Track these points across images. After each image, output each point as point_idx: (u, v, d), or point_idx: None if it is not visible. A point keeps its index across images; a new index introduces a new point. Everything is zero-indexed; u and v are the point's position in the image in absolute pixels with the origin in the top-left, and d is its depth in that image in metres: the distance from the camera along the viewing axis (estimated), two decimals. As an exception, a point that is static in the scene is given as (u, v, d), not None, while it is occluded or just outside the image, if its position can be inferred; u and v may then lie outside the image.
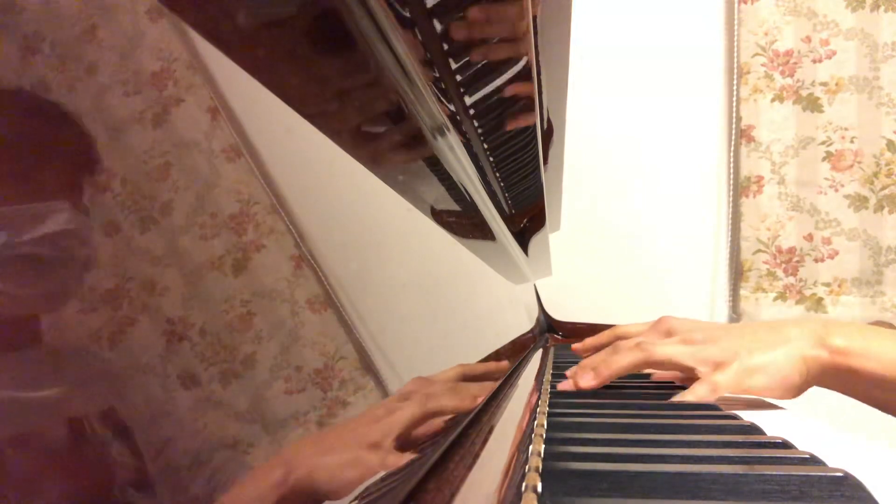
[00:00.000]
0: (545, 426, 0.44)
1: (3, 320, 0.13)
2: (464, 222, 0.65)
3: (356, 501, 0.24)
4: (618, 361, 0.65)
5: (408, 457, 0.29)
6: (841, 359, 0.59)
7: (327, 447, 0.26)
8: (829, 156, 1.80)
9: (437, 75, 0.38)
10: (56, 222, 0.14)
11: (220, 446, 0.19)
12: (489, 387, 0.49)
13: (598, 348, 0.85)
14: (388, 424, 0.31)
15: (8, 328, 0.13)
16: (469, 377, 0.48)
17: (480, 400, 0.43)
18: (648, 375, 0.77)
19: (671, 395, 0.62)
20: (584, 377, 0.66)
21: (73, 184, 0.15)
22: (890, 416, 0.62)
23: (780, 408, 0.64)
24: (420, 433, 0.33)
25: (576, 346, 0.87)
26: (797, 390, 0.61)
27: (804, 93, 1.81)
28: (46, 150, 0.15)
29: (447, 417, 0.37)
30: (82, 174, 0.16)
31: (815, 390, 0.64)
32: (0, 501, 0.12)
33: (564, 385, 0.67)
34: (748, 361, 0.60)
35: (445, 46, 0.36)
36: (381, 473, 0.27)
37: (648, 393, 0.67)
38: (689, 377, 0.65)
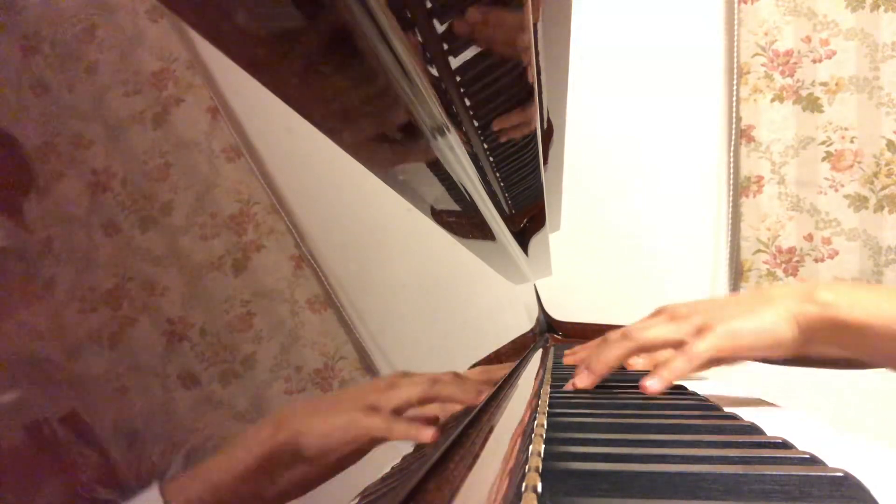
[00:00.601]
0: (545, 426, 0.44)
1: None
2: (464, 222, 0.65)
3: (356, 500, 0.24)
4: (607, 353, 0.65)
5: (402, 429, 0.29)
6: (830, 311, 0.58)
7: (321, 408, 0.26)
8: (829, 156, 1.80)
9: (437, 75, 0.38)
10: None
11: (220, 447, 0.19)
12: (490, 387, 0.49)
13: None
14: (388, 395, 0.30)
15: None
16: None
17: (483, 397, 0.43)
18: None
19: (671, 395, 0.62)
20: (580, 376, 0.66)
21: (8, 203, 0.15)
22: (890, 416, 0.62)
23: (774, 405, 0.63)
24: (418, 414, 0.32)
25: (567, 358, 0.87)
26: (788, 348, 0.60)
27: (804, 93, 1.81)
28: None
29: (448, 406, 0.36)
30: (21, 193, 0.16)
31: (815, 391, 0.64)
32: None
33: (566, 386, 0.67)
34: (732, 324, 0.59)
35: (445, 46, 0.36)
36: (381, 475, 0.27)
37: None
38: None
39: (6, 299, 0.14)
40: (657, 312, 0.70)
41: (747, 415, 0.52)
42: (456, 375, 0.44)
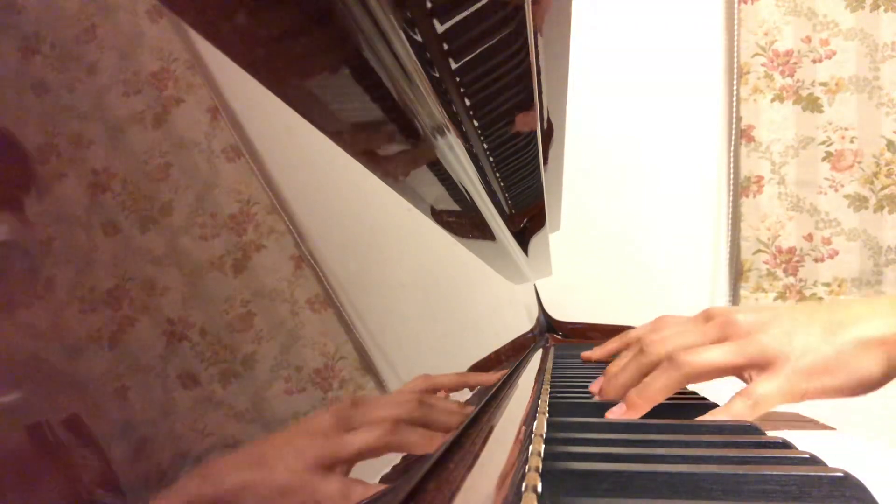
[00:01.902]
0: (545, 426, 0.44)
1: None
2: (464, 222, 0.65)
3: (358, 501, 0.24)
4: (654, 386, 0.52)
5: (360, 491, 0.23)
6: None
7: (256, 461, 0.20)
8: (829, 156, 1.80)
9: (437, 75, 0.38)
10: None
11: (220, 446, 0.19)
12: (467, 412, 0.43)
13: (609, 355, 0.82)
14: (339, 444, 0.25)
15: None
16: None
17: (449, 435, 0.36)
18: None
19: (680, 400, 0.62)
20: (618, 410, 0.54)
21: (10, 198, 0.16)
22: (889, 416, 0.60)
23: (831, 427, 0.54)
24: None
25: (586, 353, 0.84)
26: (877, 384, 0.48)
27: (804, 93, 1.81)
28: None
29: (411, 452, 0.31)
30: (23, 190, 0.16)
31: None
32: None
33: (614, 413, 0.54)
34: (804, 361, 0.47)
35: (445, 47, 0.36)
36: (381, 475, 0.27)
37: None
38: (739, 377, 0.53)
39: (10, 295, 0.14)
40: (705, 317, 0.57)
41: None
42: (421, 403, 0.34)
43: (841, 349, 0.47)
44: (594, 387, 0.62)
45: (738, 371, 0.51)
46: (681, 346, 0.53)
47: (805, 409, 0.62)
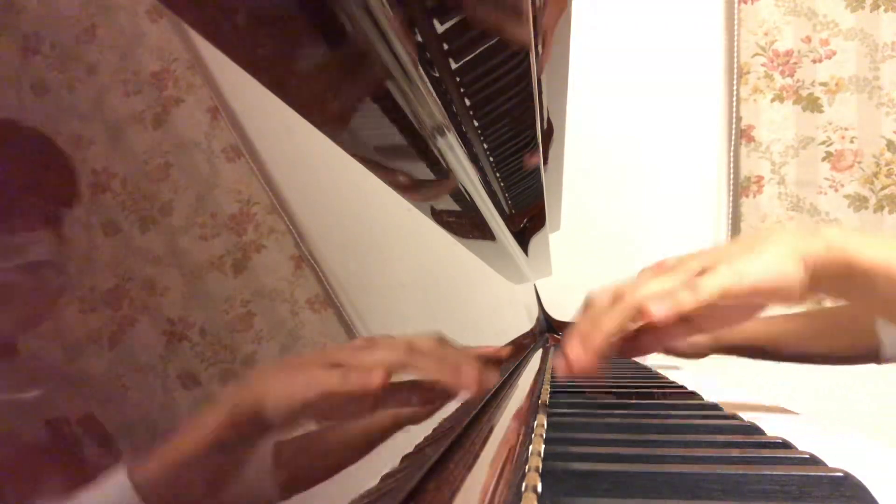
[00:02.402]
0: (545, 426, 0.44)
1: None
2: (464, 222, 0.65)
3: (357, 501, 0.24)
4: (602, 324, 0.51)
5: (354, 378, 0.26)
6: (837, 252, 0.53)
7: (282, 370, 0.24)
8: (829, 156, 1.80)
9: (437, 75, 0.38)
10: (36, 253, 0.15)
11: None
12: (486, 379, 0.44)
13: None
14: (356, 354, 0.28)
15: None
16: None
17: (463, 379, 0.39)
18: (654, 375, 0.76)
19: (671, 395, 0.62)
20: (574, 356, 0.49)
21: (53, 215, 0.16)
22: (890, 416, 0.61)
23: (794, 412, 0.61)
24: (392, 393, 0.29)
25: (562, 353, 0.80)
26: (796, 291, 0.53)
27: (804, 93, 1.81)
28: (30, 182, 0.16)
29: (423, 385, 0.33)
30: (63, 205, 0.16)
31: (815, 391, 0.63)
32: None
33: (558, 370, 0.51)
34: (736, 265, 0.52)
35: (445, 47, 0.36)
36: (384, 471, 0.27)
37: (648, 392, 0.67)
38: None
39: (43, 311, 0.15)
40: (644, 271, 0.59)
41: (747, 414, 0.52)
42: (439, 344, 0.37)
43: (767, 256, 0.53)
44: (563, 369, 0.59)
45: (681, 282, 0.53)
46: (624, 286, 0.55)
47: (807, 410, 0.62)
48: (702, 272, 0.52)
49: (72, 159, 0.17)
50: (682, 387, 0.67)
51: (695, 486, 0.33)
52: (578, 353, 0.50)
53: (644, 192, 1.84)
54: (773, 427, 0.45)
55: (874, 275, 0.53)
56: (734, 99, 1.83)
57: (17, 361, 0.14)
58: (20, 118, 0.16)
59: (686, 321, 0.53)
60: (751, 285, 0.51)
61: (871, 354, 0.81)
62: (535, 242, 1.00)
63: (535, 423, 0.45)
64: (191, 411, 0.19)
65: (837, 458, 0.36)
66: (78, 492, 0.14)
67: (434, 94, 0.39)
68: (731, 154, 1.84)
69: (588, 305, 0.56)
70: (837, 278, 0.54)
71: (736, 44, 1.83)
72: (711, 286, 0.50)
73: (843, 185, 1.79)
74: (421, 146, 0.44)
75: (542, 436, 0.41)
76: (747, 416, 0.53)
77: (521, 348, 0.92)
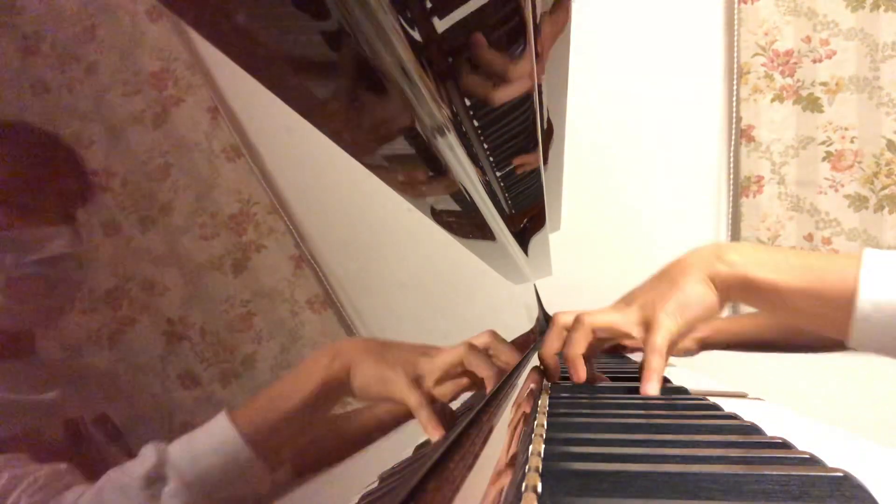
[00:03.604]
0: (545, 426, 0.44)
1: (5, 332, 0.14)
2: (464, 222, 0.65)
3: (357, 501, 0.24)
4: (573, 347, 0.67)
5: (424, 416, 0.32)
6: (739, 270, 0.63)
7: (377, 351, 0.29)
8: (829, 156, 1.80)
9: (437, 75, 0.38)
10: (57, 246, 0.15)
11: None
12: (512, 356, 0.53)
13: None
14: (432, 363, 0.34)
15: (8, 339, 0.14)
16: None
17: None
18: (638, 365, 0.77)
19: (671, 395, 0.62)
20: (576, 374, 0.67)
21: (71, 211, 0.16)
22: (889, 416, 0.63)
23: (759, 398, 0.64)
24: (438, 413, 0.35)
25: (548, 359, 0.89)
26: (718, 307, 0.64)
27: (804, 93, 1.81)
28: (48, 181, 0.16)
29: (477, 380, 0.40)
30: (79, 202, 0.17)
31: (815, 392, 0.64)
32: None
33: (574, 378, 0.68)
34: (668, 308, 0.63)
35: (445, 46, 0.36)
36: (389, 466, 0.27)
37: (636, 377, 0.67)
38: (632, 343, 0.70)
39: (64, 304, 0.15)
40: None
41: (745, 413, 0.52)
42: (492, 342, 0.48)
43: (686, 289, 0.64)
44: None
45: (628, 336, 0.66)
46: (585, 312, 0.69)
47: (815, 412, 0.62)
48: (647, 324, 0.64)
49: (81, 158, 0.17)
50: (681, 387, 0.67)
51: (695, 486, 0.33)
52: (579, 374, 0.66)
53: (644, 193, 1.84)
54: (772, 426, 0.45)
55: (766, 291, 0.62)
56: (734, 99, 1.83)
57: (44, 355, 0.14)
58: (29, 119, 0.16)
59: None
60: (686, 320, 0.63)
61: (839, 345, 0.88)
62: (535, 242, 1.00)
63: (535, 423, 0.45)
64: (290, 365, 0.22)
65: (837, 457, 0.37)
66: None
67: (434, 94, 0.39)
68: (731, 154, 1.84)
69: (558, 325, 0.70)
70: (741, 291, 0.64)
71: (736, 44, 1.83)
72: (662, 340, 0.62)
73: (843, 185, 1.79)
74: (421, 146, 0.44)
75: (542, 436, 0.41)
76: (713, 401, 0.58)
77: (521, 348, 0.92)
